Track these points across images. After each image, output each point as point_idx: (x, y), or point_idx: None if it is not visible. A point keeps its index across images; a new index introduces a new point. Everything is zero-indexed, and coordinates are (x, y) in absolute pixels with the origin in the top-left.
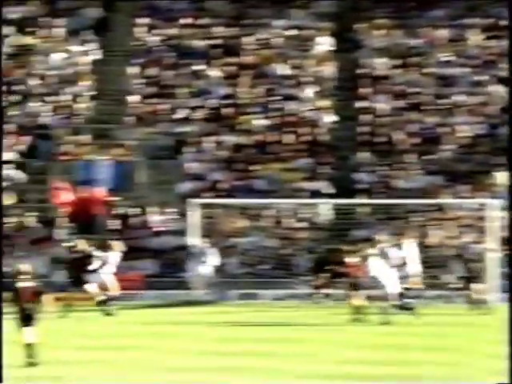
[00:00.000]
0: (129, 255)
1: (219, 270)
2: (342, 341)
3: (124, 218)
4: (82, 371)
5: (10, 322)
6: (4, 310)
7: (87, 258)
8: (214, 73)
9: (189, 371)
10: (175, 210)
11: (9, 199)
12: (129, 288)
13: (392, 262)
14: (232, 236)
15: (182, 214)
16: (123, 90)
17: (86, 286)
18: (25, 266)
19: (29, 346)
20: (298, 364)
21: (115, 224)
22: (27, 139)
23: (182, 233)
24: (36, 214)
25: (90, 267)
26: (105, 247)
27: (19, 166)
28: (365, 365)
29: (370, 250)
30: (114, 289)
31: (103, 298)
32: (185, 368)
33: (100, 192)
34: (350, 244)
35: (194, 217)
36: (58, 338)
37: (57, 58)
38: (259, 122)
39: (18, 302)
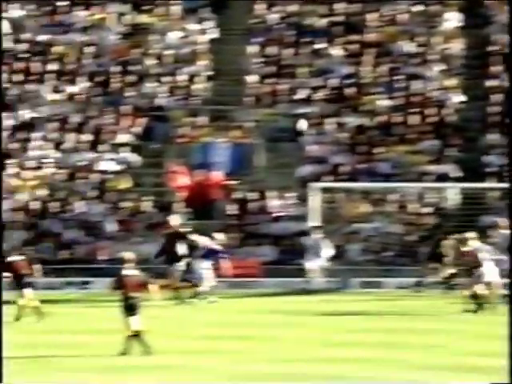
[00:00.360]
0: (247, 241)
1: (340, 257)
2: (470, 331)
3: (242, 202)
4: (199, 361)
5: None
6: (3, 310)
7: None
8: (336, 51)
9: (311, 362)
10: (295, 194)
11: (124, 183)
12: (246, 275)
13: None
14: (354, 222)
15: (302, 199)
16: (241, 70)
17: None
18: (129, 254)
19: (135, 335)
20: (427, 355)
21: (233, 209)
22: (143, 121)
23: (301, 218)
24: (152, 198)
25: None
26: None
27: (135, 148)
28: (494, 357)
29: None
30: (210, 278)
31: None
32: (307, 359)
33: (217, 176)
34: (478, 230)
35: (315, 201)
36: (172, 327)
37: (173, 36)
38: (383, 102)
39: (122, 291)
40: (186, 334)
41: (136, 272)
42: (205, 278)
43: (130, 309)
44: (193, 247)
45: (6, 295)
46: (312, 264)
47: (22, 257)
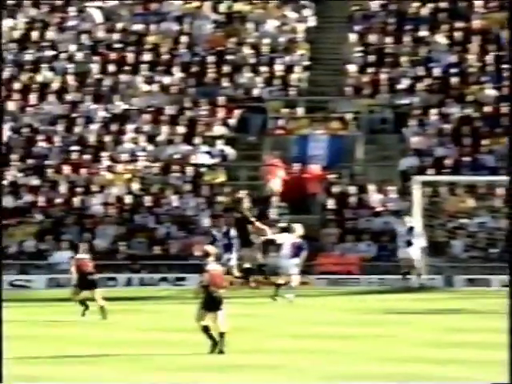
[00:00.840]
0: (346, 237)
1: (444, 253)
2: None
3: (341, 196)
4: (296, 361)
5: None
6: (3, 310)
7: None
8: (440, 39)
9: (413, 362)
10: (396, 188)
11: (219, 176)
12: (346, 272)
13: None
14: (458, 216)
15: (404, 193)
16: (341, 59)
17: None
18: (211, 248)
19: (218, 332)
20: None
21: (331, 203)
22: (238, 113)
23: (403, 213)
24: (247, 192)
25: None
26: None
27: (230, 141)
28: None
29: None
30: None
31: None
32: (409, 358)
33: (315, 169)
34: None
35: (417, 195)
36: (266, 325)
37: (270, 25)
38: (489, 92)
39: (206, 286)
40: (281, 332)
41: (218, 266)
42: (291, 274)
43: (213, 304)
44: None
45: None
46: (406, 258)
47: (87, 255)
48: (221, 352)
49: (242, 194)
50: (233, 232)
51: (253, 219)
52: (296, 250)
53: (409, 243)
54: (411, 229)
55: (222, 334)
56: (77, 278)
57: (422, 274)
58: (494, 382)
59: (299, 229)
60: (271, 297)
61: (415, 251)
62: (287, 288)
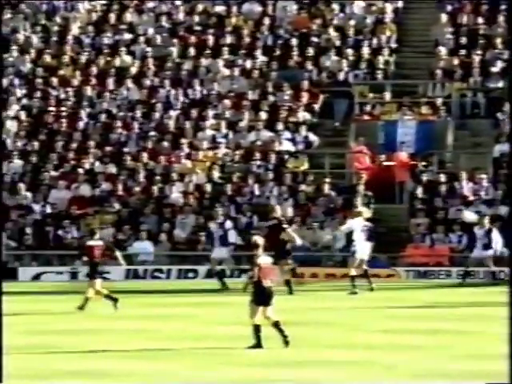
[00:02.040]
0: (436, 227)
1: None
2: None
3: (430, 185)
4: (384, 356)
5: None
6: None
7: None
8: None
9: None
10: (489, 176)
11: (303, 164)
12: (435, 264)
13: None
14: None
15: (497, 181)
16: (430, 41)
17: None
18: (260, 239)
19: (275, 325)
20: None
21: (420, 192)
22: (323, 98)
23: (497, 202)
24: (332, 180)
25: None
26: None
27: (314, 127)
28: None
29: None
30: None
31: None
32: (501, 355)
33: (403, 156)
34: None
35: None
36: (350, 319)
37: (356, 6)
38: None
39: (255, 279)
40: (367, 326)
41: (269, 259)
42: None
43: (264, 299)
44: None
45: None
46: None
47: (101, 242)
48: (287, 343)
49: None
50: (228, 223)
51: (286, 226)
52: (368, 233)
53: (485, 246)
54: (490, 231)
55: (277, 323)
56: (88, 267)
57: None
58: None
59: (366, 212)
60: (351, 291)
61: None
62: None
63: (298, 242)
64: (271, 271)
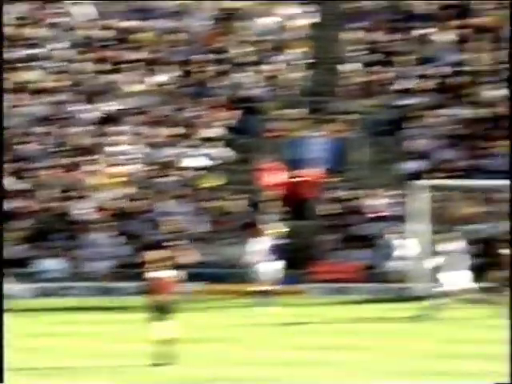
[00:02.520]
0: (344, 244)
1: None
2: None
3: (340, 201)
4: (293, 373)
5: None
6: (4, 309)
7: None
8: (444, 37)
9: (411, 375)
10: (397, 192)
11: (214, 180)
12: (343, 280)
13: None
14: (462, 223)
15: (405, 198)
16: (340, 58)
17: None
18: (160, 253)
19: (164, 341)
20: None
21: (330, 209)
22: (234, 114)
23: (404, 219)
24: (244, 196)
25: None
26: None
27: (225, 143)
28: None
29: None
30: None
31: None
32: (418, 371)
33: (313, 172)
34: None
35: (418, 201)
36: (257, 336)
37: (268, 22)
38: (495, 92)
39: (153, 294)
40: (275, 343)
41: (169, 273)
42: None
43: (162, 313)
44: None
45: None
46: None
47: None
48: (174, 361)
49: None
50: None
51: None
52: (277, 250)
53: (401, 253)
54: (404, 240)
55: (170, 340)
56: None
57: (420, 283)
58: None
59: (277, 228)
60: (260, 307)
61: (405, 259)
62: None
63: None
64: (167, 286)
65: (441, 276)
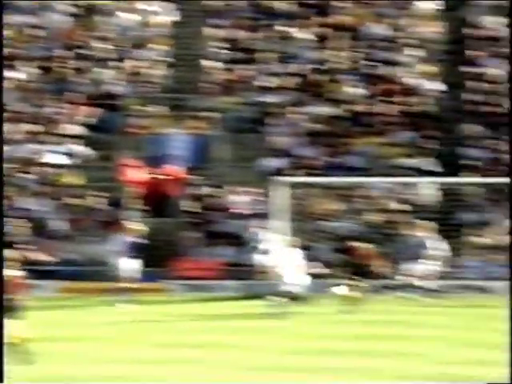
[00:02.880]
0: (206, 240)
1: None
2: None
3: (201, 199)
4: (154, 371)
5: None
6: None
7: None
8: (304, 35)
9: (272, 371)
10: (258, 189)
11: (74, 178)
12: (206, 277)
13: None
14: (322, 219)
15: (266, 195)
16: (201, 55)
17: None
18: (11, 252)
19: (18, 340)
20: (403, 364)
21: (191, 206)
22: (95, 110)
23: (265, 216)
24: (105, 194)
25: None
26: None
27: (85, 140)
28: (481, 365)
29: None
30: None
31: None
32: (268, 368)
33: (175, 170)
34: (457, 228)
35: (279, 197)
36: (122, 333)
37: (130, 19)
38: (354, 90)
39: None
40: (136, 341)
41: (19, 272)
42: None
43: (13, 312)
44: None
45: None
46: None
47: None
48: (28, 362)
49: None
50: None
51: None
52: (136, 248)
53: (264, 250)
54: (267, 235)
55: (24, 339)
56: None
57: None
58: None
59: (138, 226)
60: (120, 305)
61: (272, 257)
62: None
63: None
64: (18, 285)
65: (292, 272)
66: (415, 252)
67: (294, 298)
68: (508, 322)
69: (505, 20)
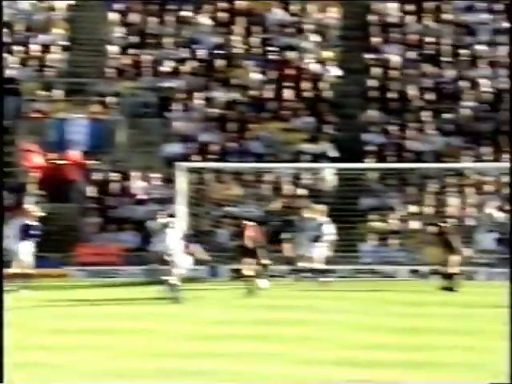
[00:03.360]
0: (107, 226)
1: (209, 243)
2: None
3: (102, 184)
4: (53, 358)
5: None
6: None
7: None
8: (204, 20)
9: (178, 356)
10: (160, 175)
11: None
12: (107, 263)
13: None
14: (224, 205)
15: (168, 180)
16: (101, 40)
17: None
18: None
19: None
20: (303, 348)
21: (92, 191)
22: None
23: (168, 201)
24: (4, 178)
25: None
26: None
27: None
28: (376, 349)
29: None
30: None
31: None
32: (173, 353)
33: (74, 155)
34: (356, 214)
35: (182, 183)
36: (24, 320)
37: (25, 3)
38: (255, 75)
39: None
40: (37, 326)
41: None
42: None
43: None
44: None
45: None
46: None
47: None
48: None
49: None
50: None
51: None
52: (31, 232)
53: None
54: (168, 221)
55: None
56: None
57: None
58: (491, 382)
59: (36, 211)
60: (19, 291)
61: (172, 243)
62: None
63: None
64: None
65: (189, 257)
66: (313, 236)
67: (189, 282)
68: (508, 321)
69: (409, 7)
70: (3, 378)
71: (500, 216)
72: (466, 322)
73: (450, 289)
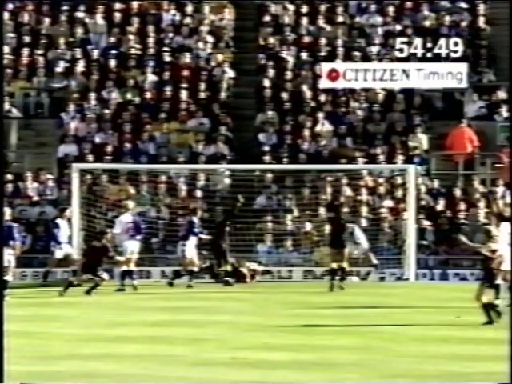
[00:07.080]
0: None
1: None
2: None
3: None
4: None
5: None
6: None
7: None
8: (98, 20)
9: (64, 359)
10: (54, 176)
11: None
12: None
13: None
14: (118, 206)
15: (61, 181)
16: None
17: None
18: None
19: None
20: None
21: None
22: None
23: (60, 202)
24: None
25: None
26: None
27: None
28: (270, 350)
29: None
30: None
31: None
32: (68, 356)
33: None
34: (251, 214)
35: (75, 184)
36: None
37: None
38: (149, 76)
39: None
40: None
41: None
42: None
43: None
44: None
45: None
46: (59, 252)
47: None
48: None
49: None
50: None
51: None
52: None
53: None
54: (61, 222)
55: None
56: None
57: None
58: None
59: None
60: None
61: (65, 246)
62: None
63: None
64: None
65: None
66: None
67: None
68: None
69: (298, 8)
70: (3, 378)
71: (390, 217)
72: (357, 323)
73: (342, 288)
